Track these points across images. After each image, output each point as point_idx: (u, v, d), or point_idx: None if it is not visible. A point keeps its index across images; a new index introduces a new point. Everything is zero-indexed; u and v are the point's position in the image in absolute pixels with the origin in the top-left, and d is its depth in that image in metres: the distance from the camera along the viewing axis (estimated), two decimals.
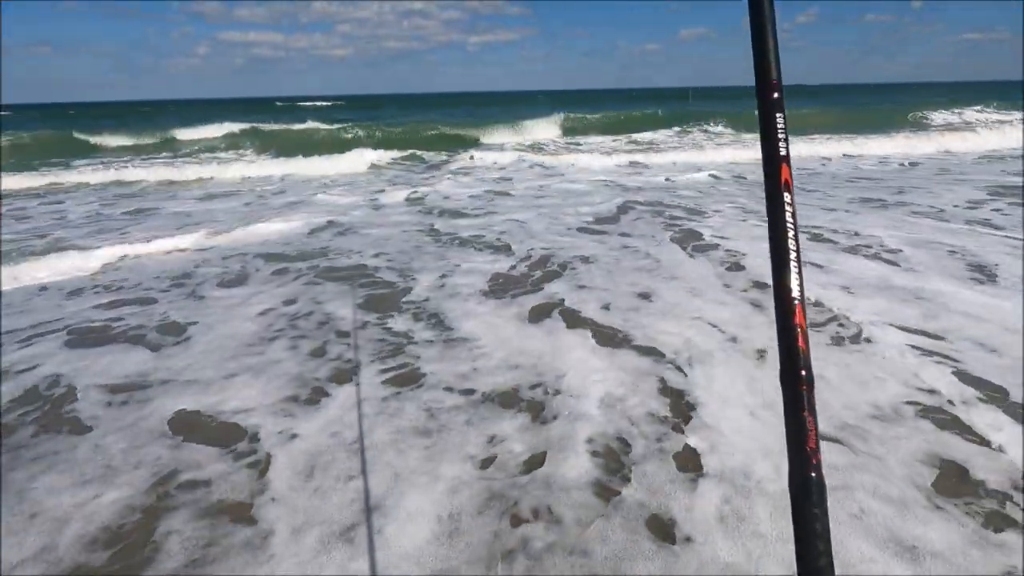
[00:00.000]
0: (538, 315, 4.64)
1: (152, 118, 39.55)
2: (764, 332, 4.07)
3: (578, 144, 19.83)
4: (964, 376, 3.40)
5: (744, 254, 6.06)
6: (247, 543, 2.34)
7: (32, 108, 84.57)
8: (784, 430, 0.65)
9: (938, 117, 25.65)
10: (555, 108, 28.24)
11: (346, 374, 3.76)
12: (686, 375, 3.56)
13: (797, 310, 0.66)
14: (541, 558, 2.21)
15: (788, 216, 0.67)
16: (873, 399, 3.21)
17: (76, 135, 23.37)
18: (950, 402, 3.15)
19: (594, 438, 2.95)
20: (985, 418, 3.00)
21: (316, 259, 6.52)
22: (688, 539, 2.27)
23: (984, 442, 2.82)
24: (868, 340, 3.95)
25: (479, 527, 2.38)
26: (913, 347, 3.80)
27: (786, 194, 0.67)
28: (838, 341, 3.97)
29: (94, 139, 23.08)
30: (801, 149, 15.76)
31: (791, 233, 0.67)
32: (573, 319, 4.52)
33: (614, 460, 2.78)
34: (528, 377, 3.62)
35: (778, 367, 0.66)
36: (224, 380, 3.72)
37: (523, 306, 4.84)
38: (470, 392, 3.47)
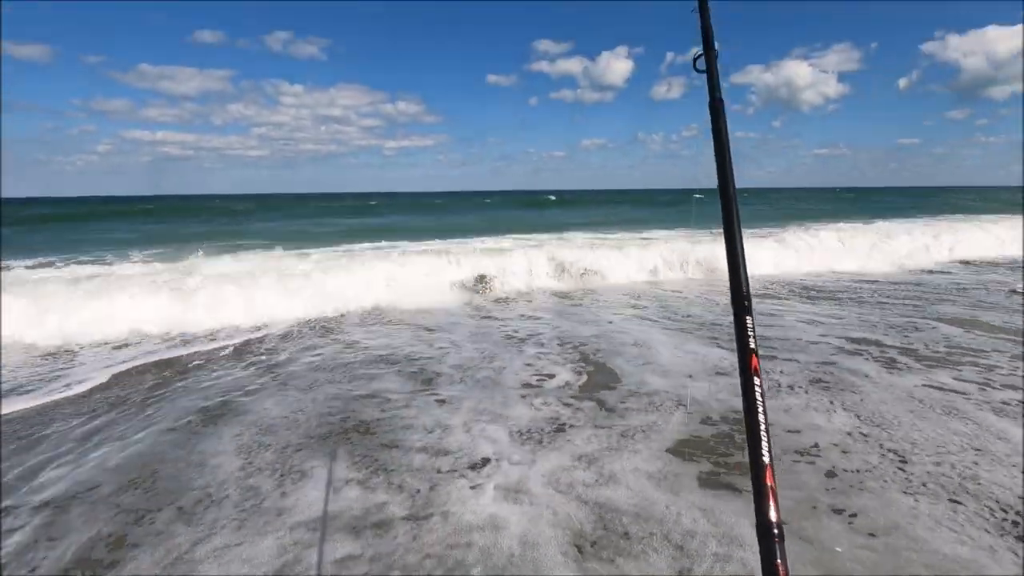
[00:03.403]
0: None
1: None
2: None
3: None
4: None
5: None
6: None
7: None
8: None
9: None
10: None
11: None
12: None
13: (767, 473, 0.78)
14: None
15: (758, 395, 0.84)
16: None
17: None
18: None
19: None
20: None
21: None
22: None
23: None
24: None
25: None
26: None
27: (756, 379, 0.85)
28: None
29: None
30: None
31: (760, 408, 0.83)
32: None
33: None
34: None
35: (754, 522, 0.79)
36: None
37: None
38: None
